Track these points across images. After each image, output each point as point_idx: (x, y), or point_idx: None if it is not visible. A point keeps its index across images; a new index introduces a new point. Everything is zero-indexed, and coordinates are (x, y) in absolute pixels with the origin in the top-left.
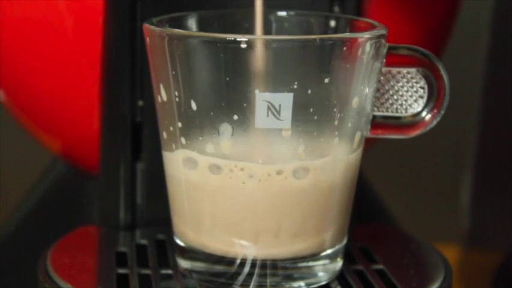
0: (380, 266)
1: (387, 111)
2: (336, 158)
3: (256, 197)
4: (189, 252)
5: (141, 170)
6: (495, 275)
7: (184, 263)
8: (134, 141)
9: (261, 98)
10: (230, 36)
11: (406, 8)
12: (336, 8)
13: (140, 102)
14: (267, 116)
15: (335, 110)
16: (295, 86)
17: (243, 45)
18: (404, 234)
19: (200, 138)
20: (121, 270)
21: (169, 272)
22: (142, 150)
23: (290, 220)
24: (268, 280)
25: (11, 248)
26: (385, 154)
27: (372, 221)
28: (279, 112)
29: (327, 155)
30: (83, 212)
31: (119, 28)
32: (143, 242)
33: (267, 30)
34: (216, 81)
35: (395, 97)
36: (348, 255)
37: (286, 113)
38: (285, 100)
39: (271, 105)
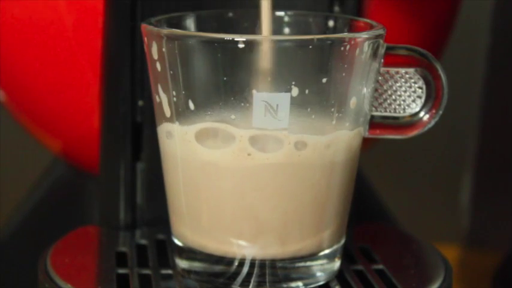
0: (380, 266)
1: (385, 111)
2: (333, 158)
3: (257, 174)
4: (187, 252)
5: (141, 170)
6: (495, 275)
7: (182, 264)
8: (134, 141)
9: (259, 97)
10: (228, 36)
11: (406, 8)
12: (336, 8)
13: (140, 102)
14: (265, 115)
15: (333, 109)
16: (293, 86)
17: (241, 45)
18: (404, 234)
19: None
20: (121, 270)
21: (169, 272)
22: (142, 150)
23: (289, 205)
24: (267, 280)
25: (11, 248)
26: (385, 154)
27: (371, 221)
28: (276, 112)
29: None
30: (83, 212)
31: (119, 28)
32: (143, 242)
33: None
34: (213, 81)
35: (393, 97)
36: (347, 255)
37: (284, 113)
38: (283, 100)
39: (269, 105)
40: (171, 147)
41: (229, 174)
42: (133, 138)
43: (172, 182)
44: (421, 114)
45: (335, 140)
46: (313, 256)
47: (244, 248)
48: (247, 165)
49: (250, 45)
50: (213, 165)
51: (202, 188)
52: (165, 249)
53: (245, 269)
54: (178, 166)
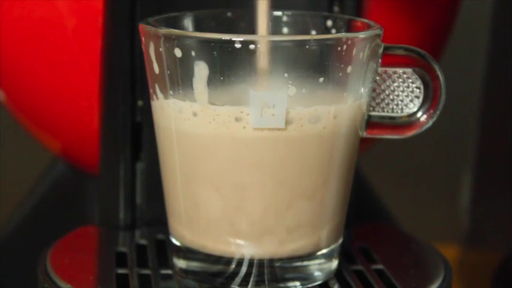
0: (379, 266)
1: (383, 111)
2: (331, 154)
3: (254, 147)
4: (186, 252)
5: (141, 170)
6: (495, 275)
7: (180, 264)
8: (134, 141)
9: (256, 97)
10: (225, 36)
11: (405, 8)
12: (336, 8)
13: (140, 102)
14: (261, 115)
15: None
16: (290, 86)
17: (238, 45)
18: (404, 234)
19: None
20: (121, 270)
21: (169, 272)
22: (142, 150)
23: (287, 187)
24: (265, 279)
25: (11, 248)
26: (385, 154)
27: (371, 221)
28: (273, 111)
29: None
30: (83, 212)
31: (118, 28)
32: (143, 242)
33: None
34: (210, 81)
35: (391, 97)
36: (347, 255)
37: (281, 111)
38: (279, 99)
39: (266, 104)
40: (165, 121)
41: (227, 147)
42: (133, 138)
43: (168, 161)
44: (419, 114)
45: (335, 113)
46: (311, 255)
47: (242, 246)
48: (245, 138)
49: (248, 45)
50: (210, 139)
51: (198, 168)
52: (164, 249)
53: (243, 269)
54: (173, 143)
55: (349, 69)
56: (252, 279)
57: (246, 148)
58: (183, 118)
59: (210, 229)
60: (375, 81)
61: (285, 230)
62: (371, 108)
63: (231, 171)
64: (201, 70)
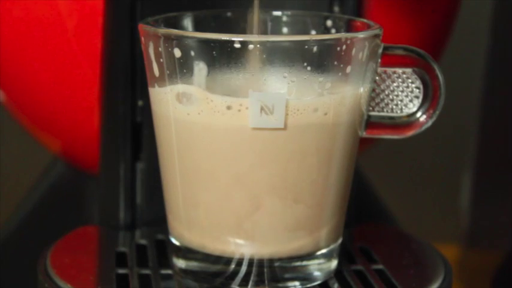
0: (380, 266)
1: (382, 111)
2: (330, 153)
3: (252, 136)
4: (185, 252)
5: (141, 170)
6: (495, 275)
7: (180, 263)
8: (134, 141)
9: (254, 97)
10: (224, 36)
11: (405, 9)
12: (336, 8)
13: (140, 102)
14: (260, 115)
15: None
16: (289, 86)
17: (237, 45)
18: (404, 234)
19: None
20: (121, 270)
21: (169, 272)
22: (142, 150)
23: (284, 179)
24: (265, 279)
25: (11, 248)
26: (385, 154)
27: (371, 221)
28: (272, 111)
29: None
30: (83, 212)
31: (118, 28)
32: (143, 242)
33: (263, 30)
34: (209, 81)
35: (390, 97)
36: (347, 255)
37: (280, 112)
38: (278, 100)
39: (265, 105)
40: (163, 109)
41: (225, 136)
42: (133, 138)
43: (166, 155)
44: (418, 114)
45: (334, 114)
46: (310, 255)
47: (242, 246)
48: (244, 127)
49: (247, 45)
50: (208, 130)
51: (197, 161)
52: (164, 249)
53: (243, 268)
54: (172, 133)
55: (348, 69)
56: (251, 279)
57: (244, 142)
58: (182, 106)
59: (209, 228)
60: (375, 81)
61: (285, 229)
62: (370, 108)
63: (229, 165)
64: (200, 70)
